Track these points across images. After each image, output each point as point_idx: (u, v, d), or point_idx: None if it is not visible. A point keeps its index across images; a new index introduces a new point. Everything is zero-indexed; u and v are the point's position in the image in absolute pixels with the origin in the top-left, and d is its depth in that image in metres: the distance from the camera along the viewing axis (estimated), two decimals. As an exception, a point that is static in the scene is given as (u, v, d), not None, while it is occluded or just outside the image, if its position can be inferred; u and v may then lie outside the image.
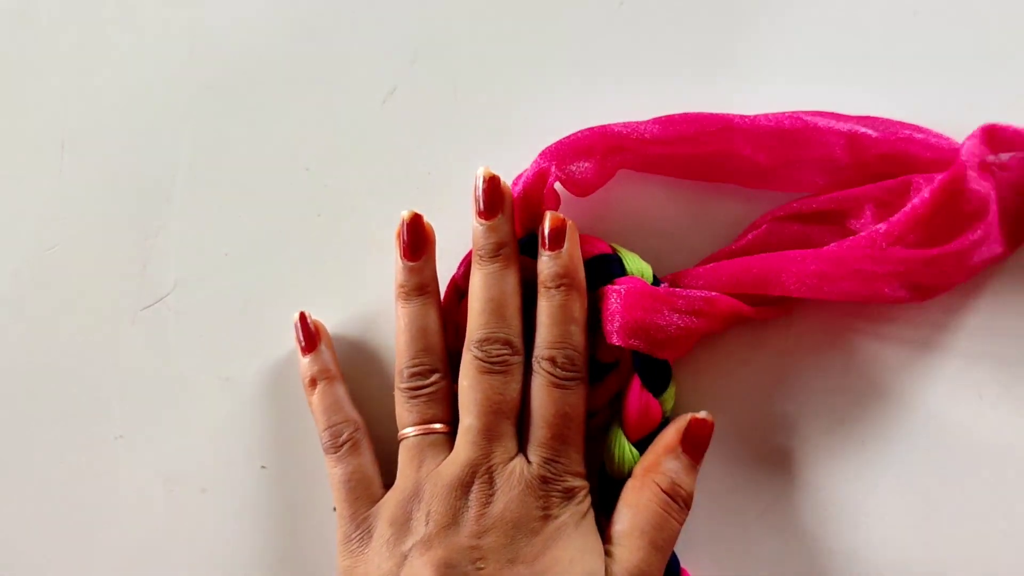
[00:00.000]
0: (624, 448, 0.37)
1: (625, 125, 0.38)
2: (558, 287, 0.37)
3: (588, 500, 0.36)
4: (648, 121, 0.38)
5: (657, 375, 0.37)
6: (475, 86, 0.42)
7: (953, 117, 0.38)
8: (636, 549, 0.35)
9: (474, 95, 0.42)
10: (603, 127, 0.38)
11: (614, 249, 0.38)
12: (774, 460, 0.39)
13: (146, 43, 0.43)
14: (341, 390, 0.39)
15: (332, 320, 0.40)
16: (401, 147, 0.41)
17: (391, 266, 0.39)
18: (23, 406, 0.41)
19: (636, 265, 0.38)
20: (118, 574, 0.40)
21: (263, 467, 0.40)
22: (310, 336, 0.39)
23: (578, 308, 0.37)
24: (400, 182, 0.41)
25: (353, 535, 0.36)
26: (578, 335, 0.37)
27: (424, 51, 0.42)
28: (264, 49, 0.43)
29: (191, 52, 0.43)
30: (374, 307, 0.40)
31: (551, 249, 0.37)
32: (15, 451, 0.41)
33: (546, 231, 0.37)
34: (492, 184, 0.37)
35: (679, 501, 0.36)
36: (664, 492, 0.36)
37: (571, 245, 0.37)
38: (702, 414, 0.37)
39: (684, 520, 0.36)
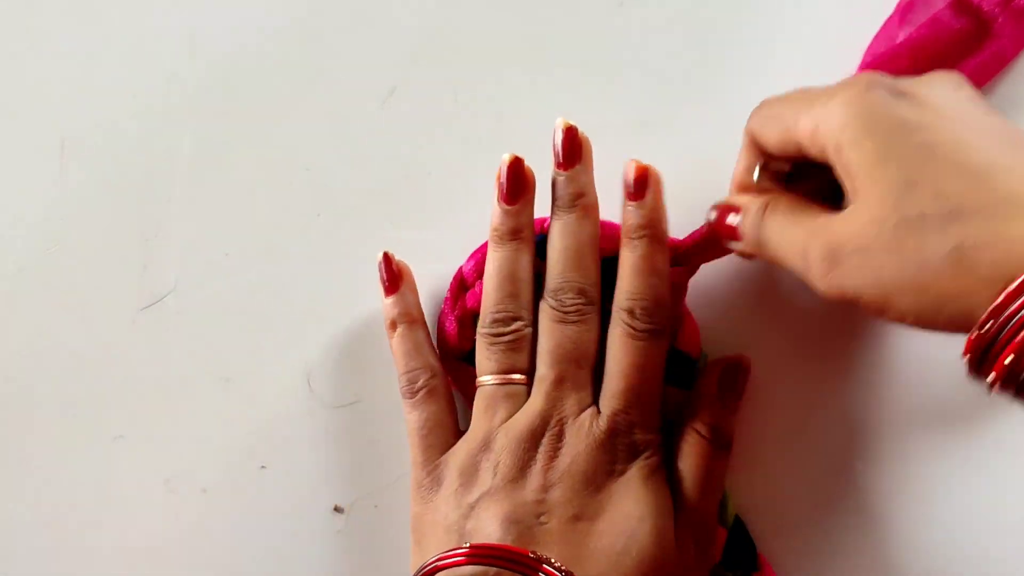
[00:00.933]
0: None
1: None
2: (640, 237, 0.36)
3: (658, 456, 0.36)
4: None
5: (680, 368, 0.37)
6: (475, 86, 0.42)
7: None
8: (693, 496, 0.36)
9: (474, 95, 0.42)
10: None
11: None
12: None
13: (146, 43, 0.43)
14: (422, 334, 0.38)
15: (332, 320, 0.40)
16: (401, 147, 0.41)
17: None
18: (23, 406, 0.41)
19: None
20: (118, 574, 0.40)
21: (263, 467, 0.40)
22: (393, 277, 0.38)
23: (660, 259, 0.36)
24: (400, 182, 0.41)
25: (424, 481, 0.36)
26: (660, 287, 0.36)
27: (424, 51, 0.42)
28: (264, 49, 0.43)
29: (191, 52, 0.43)
30: (374, 307, 0.40)
31: (634, 199, 0.36)
32: (15, 451, 0.41)
33: (631, 179, 0.36)
34: (570, 134, 0.37)
35: (721, 445, 0.36)
36: (705, 439, 0.36)
37: (655, 195, 0.36)
38: (737, 355, 0.37)
39: (727, 461, 0.37)
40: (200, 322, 0.41)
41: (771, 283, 0.39)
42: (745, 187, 0.35)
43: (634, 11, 0.41)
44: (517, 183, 0.37)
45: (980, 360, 0.27)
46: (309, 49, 0.43)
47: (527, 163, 0.37)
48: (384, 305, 0.38)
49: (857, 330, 0.39)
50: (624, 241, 0.37)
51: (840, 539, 0.38)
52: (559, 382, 0.36)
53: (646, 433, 0.36)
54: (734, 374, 0.37)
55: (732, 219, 0.35)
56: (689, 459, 0.36)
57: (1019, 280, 0.26)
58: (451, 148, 0.41)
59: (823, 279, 0.30)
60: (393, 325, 0.38)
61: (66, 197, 0.42)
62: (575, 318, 0.36)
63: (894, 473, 0.38)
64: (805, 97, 0.32)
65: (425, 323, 0.39)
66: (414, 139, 0.41)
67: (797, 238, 0.31)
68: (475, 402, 0.37)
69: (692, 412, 0.37)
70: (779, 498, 0.38)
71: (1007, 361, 0.27)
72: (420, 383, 0.37)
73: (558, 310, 0.36)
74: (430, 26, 0.42)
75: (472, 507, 0.35)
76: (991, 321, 0.26)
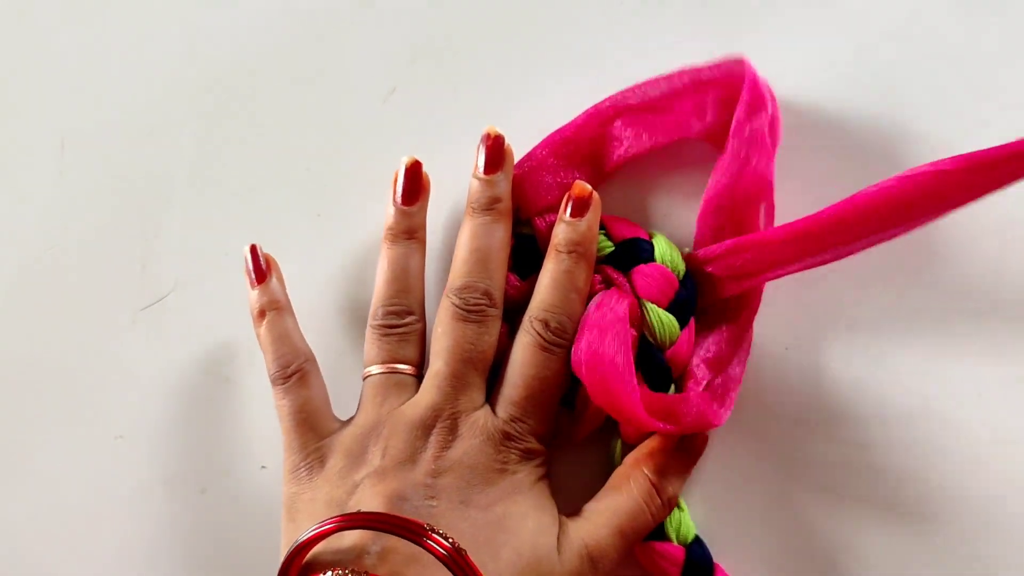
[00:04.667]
0: (618, 452, 0.37)
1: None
2: (569, 252, 0.37)
3: (544, 467, 0.36)
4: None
5: (656, 374, 0.37)
6: (475, 86, 0.42)
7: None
8: (600, 526, 0.35)
9: (474, 95, 0.42)
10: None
11: (650, 235, 0.38)
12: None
13: (146, 43, 0.43)
14: (291, 321, 0.38)
15: (332, 320, 0.40)
16: (401, 147, 0.41)
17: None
18: (23, 406, 0.41)
19: (666, 252, 0.37)
20: (118, 574, 0.40)
21: (263, 467, 0.40)
22: (260, 268, 0.38)
23: (583, 279, 0.37)
24: (400, 182, 0.41)
25: (301, 464, 0.36)
26: (577, 304, 0.37)
27: (424, 51, 0.42)
28: (264, 49, 0.43)
29: (191, 52, 0.43)
30: (374, 307, 0.40)
31: (573, 216, 0.37)
32: (15, 451, 0.41)
33: (572, 197, 0.37)
34: (496, 143, 0.37)
35: (662, 499, 0.36)
36: (651, 485, 0.36)
37: (592, 217, 0.37)
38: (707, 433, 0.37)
39: (660, 519, 0.36)
40: (200, 322, 0.41)
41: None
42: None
43: (634, 10, 0.41)
44: (414, 186, 0.38)
45: None
46: (309, 49, 0.43)
47: (422, 164, 0.38)
48: (250, 295, 0.38)
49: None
50: (551, 253, 0.37)
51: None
52: (454, 379, 0.36)
53: (538, 443, 0.36)
54: (697, 439, 0.37)
55: None
56: (620, 496, 0.36)
57: None
58: (451, 148, 0.41)
59: None
60: (261, 314, 0.38)
61: (66, 197, 0.42)
62: (476, 318, 0.36)
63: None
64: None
65: (292, 311, 0.38)
66: (414, 139, 0.41)
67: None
68: (362, 392, 0.37)
69: (647, 454, 0.36)
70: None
71: None
72: (292, 368, 0.37)
73: (460, 308, 0.36)
74: (430, 26, 0.42)
75: (357, 485, 0.34)
76: None
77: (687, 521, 0.37)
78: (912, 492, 0.37)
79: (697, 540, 0.37)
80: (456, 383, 0.36)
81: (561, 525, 0.35)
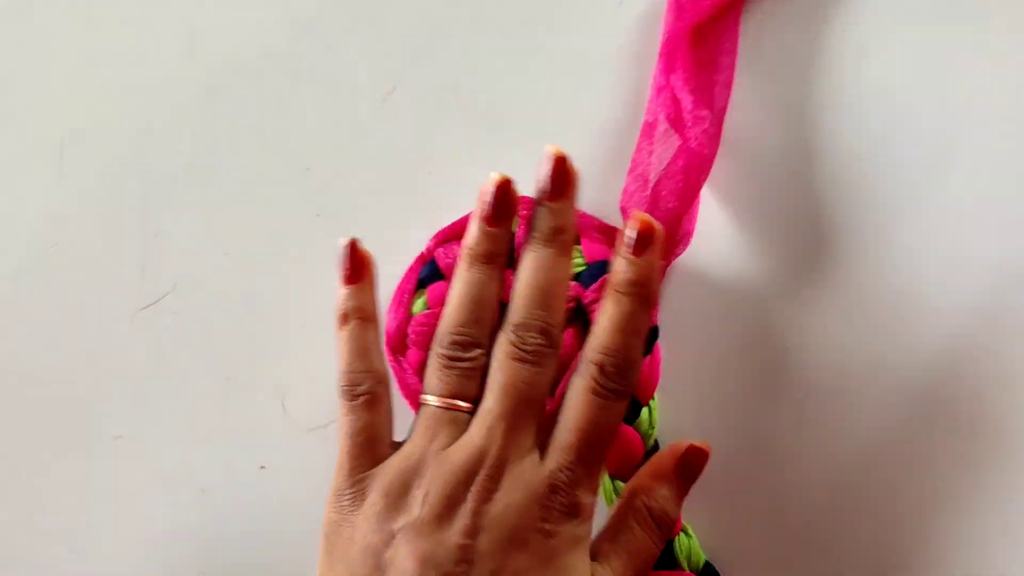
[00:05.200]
0: (604, 482, 0.37)
1: None
2: (629, 294, 0.34)
3: (589, 522, 0.34)
4: None
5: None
6: (475, 86, 0.42)
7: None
8: (619, 568, 0.34)
9: (474, 95, 0.42)
10: None
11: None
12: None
13: (146, 43, 0.43)
14: (373, 335, 0.36)
15: (332, 321, 0.40)
16: (401, 147, 0.41)
17: (391, 266, 0.39)
18: (23, 406, 0.41)
19: (654, 420, 0.38)
20: (118, 574, 0.40)
21: (263, 467, 0.40)
22: (356, 265, 0.36)
23: (643, 320, 0.35)
24: (400, 182, 0.41)
25: (346, 491, 0.34)
26: (636, 348, 0.35)
27: (424, 51, 0.42)
28: (264, 49, 0.43)
29: (191, 52, 0.43)
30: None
31: (634, 254, 0.35)
32: (15, 451, 0.41)
33: (634, 234, 0.35)
34: (561, 164, 0.35)
35: (663, 527, 0.35)
36: (650, 516, 0.35)
37: (654, 254, 0.35)
38: (699, 443, 0.36)
39: (663, 545, 0.35)
40: (200, 322, 0.41)
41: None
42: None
43: (634, 10, 0.41)
44: (503, 206, 0.35)
45: None
46: (309, 49, 0.43)
47: (515, 183, 0.36)
48: (339, 295, 0.36)
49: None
50: (610, 292, 0.35)
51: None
52: (504, 420, 0.34)
53: (586, 495, 0.34)
54: (696, 462, 0.36)
55: None
56: (629, 534, 0.35)
57: None
58: (451, 148, 0.41)
59: None
60: (345, 318, 0.36)
61: (66, 197, 0.42)
62: (533, 359, 0.34)
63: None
64: None
65: (378, 322, 0.37)
66: (414, 139, 0.41)
67: None
68: (417, 418, 0.35)
69: (645, 484, 0.35)
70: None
71: None
72: (362, 388, 0.35)
73: (518, 347, 0.34)
74: (430, 26, 0.42)
75: (393, 536, 0.33)
76: None
77: (696, 548, 0.37)
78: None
79: (707, 566, 0.37)
80: (506, 425, 0.34)
81: None
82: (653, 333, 0.37)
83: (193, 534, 0.40)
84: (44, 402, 0.41)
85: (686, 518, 0.38)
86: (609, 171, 0.40)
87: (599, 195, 0.40)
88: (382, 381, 0.36)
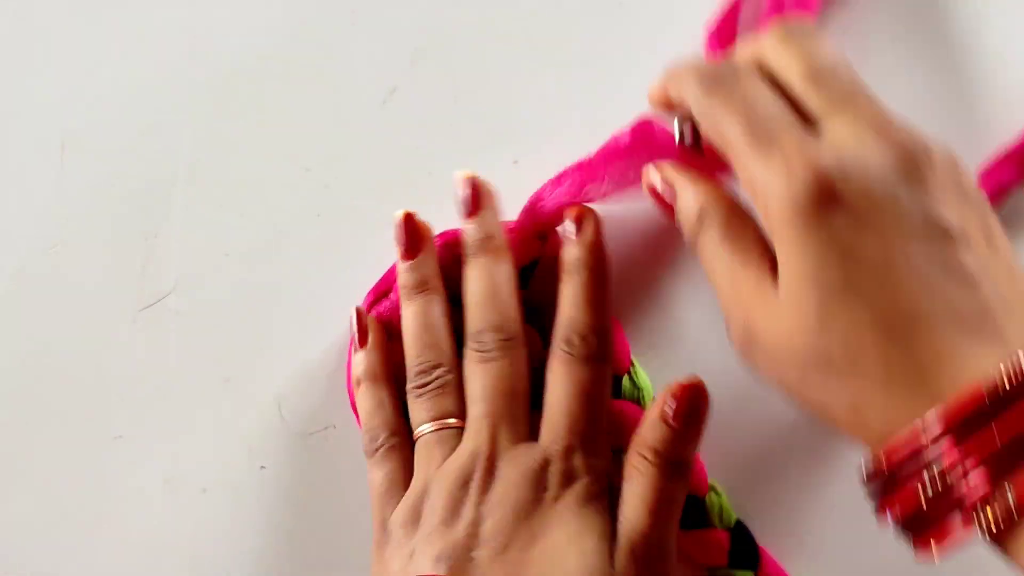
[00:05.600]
0: None
1: None
2: (580, 270, 0.36)
3: (601, 482, 0.35)
4: None
5: None
6: (475, 86, 0.42)
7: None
8: (632, 519, 0.34)
9: (474, 95, 0.42)
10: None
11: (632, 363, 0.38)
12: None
13: (146, 43, 0.43)
14: (384, 392, 0.38)
15: (331, 321, 0.40)
16: (401, 147, 0.41)
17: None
18: (23, 406, 0.41)
19: (640, 381, 0.38)
20: (118, 574, 0.40)
21: (263, 467, 0.40)
22: (363, 332, 0.38)
23: (600, 291, 0.36)
24: (400, 182, 0.41)
25: (380, 539, 0.36)
26: (601, 315, 0.36)
27: (424, 51, 0.42)
28: (264, 49, 0.43)
29: (191, 52, 0.43)
30: (374, 307, 0.40)
31: (577, 235, 0.37)
32: (15, 451, 0.41)
33: (572, 220, 0.37)
34: (473, 185, 0.38)
35: (672, 470, 0.34)
36: (655, 464, 0.34)
37: (595, 231, 0.37)
38: (686, 379, 0.35)
39: (685, 488, 0.35)
40: (200, 322, 0.41)
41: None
42: (661, 103, 0.35)
43: (634, 10, 0.42)
44: (414, 238, 0.38)
45: (875, 486, 0.28)
46: (309, 49, 0.43)
47: (416, 214, 0.38)
48: (353, 361, 0.39)
49: None
50: (563, 276, 0.37)
51: (841, 530, 0.38)
52: (490, 418, 0.35)
53: (588, 458, 0.35)
54: (688, 399, 0.35)
55: (666, 194, 0.34)
56: (636, 485, 0.34)
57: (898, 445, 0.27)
58: (451, 148, 0.41)
59: (737, 350, 0.31)
60: (358, 383, 0.38)
61: (66, 197, 0.42)
62: (498, 355, 0.36)
63: None
64: (752, 124, 0.30)
65: (389, 379, 0.38)
66: (414, 139, 0.42)
67: (724, 287, 0.32)
68: (415, 455, 0.37)
69: (640, 436, 0.35)
70: (778, 493, 0.38)
71: (896, 514, 0.28)
72: (379, 442, 0.37)
73: (480, 351, 0.36)
74: (430, 26, 0.42)
75: (412, 553, 0.34)
76: (876, 480, 0.28)
77: (727, 505, 0.37)
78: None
79: (739, 524, 0.37)
80: (492, 421, 0.35)
81: (611, 537, 0.34)
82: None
83: (193, 534, 0.40)
84: (44, 402, 0.41)
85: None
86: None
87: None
88: (397, 432, 0.37)
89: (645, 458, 0.34)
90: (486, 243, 0.37)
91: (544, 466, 0.34)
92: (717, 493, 0.37)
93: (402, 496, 0.36)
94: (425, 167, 0.41)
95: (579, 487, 0.34)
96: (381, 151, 0.41)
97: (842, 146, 0.29)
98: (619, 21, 0.41)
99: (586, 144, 0.39)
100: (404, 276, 0.38)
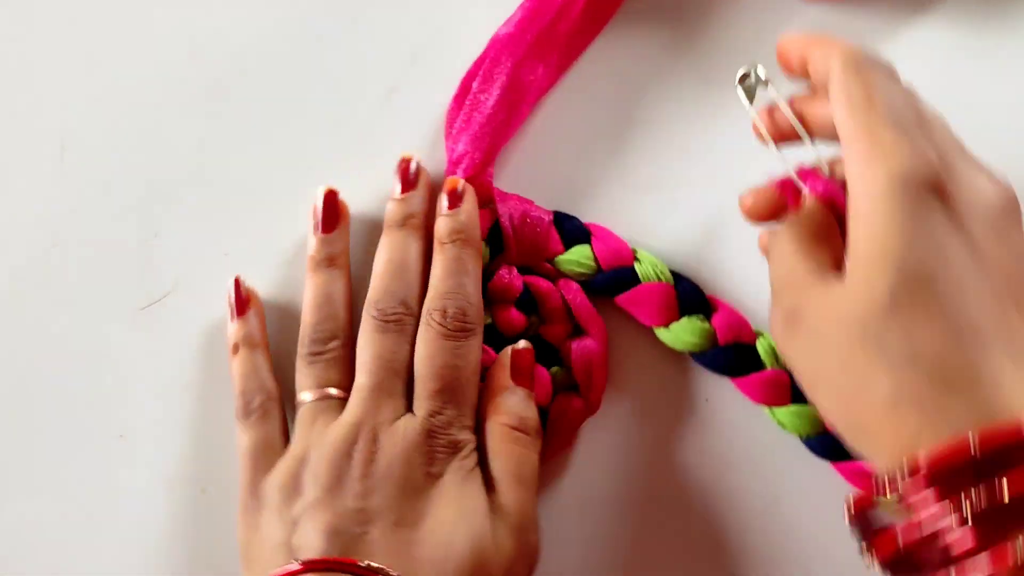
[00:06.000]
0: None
1: None
2: (453, 241, 0.37)
3: (474, 457, 0.36)
4: None
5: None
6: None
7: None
8: (507, 490, 0.35)
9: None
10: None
11: (634, 251, 0.39)
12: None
13: (146, 43, 0.43)
14: (261, 358, 0.39)
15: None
16: (401, 147, 0.41)
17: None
18: (23, 406, 0.41)
19: (650, 269, 0.38)
20: (118, 574, 0.40)
21: (263, 467, 0.40)
22: (241, 302, 0.39)
23: (472, 263, 0.37)
24: (400, 182, 0.41)
25: (249, 505, 0.36)
26: (471, 287, 0.37)
27: (424, 51, 0.42)
28: (264, 49, 0.43)
29: (191, 52, 0.43)
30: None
31: (450, 208, 0.38)
32: (15, 451, 0.41)
33: (446, 193, 0.38)
34: (407, 166, 0.39)
35: (527, 432, 0.36)
36: (511, 428, 0.36)
37: (469, 205, 0.38)
38: (520, 344, 0.38)
39: (539, 447, 0.37)
40: (200, 322, 0.41)
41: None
42: (790, 59, 0.34)
43: (633, 10, 0.42)
44: (332, 213, 0.39)
45: (858, 527, 0.29)
46: (309, 49, 0.43)
47: (339, 192, 0.39)
48: (229, 328, 0.39)
49: None
50: (436, 247, 0.38)
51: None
52: (375, 390, 0.36)
53: (462, 432, 0.36)
54: (520, 360, 0.37)
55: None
56: (499, 455, 0.36)
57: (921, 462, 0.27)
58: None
59: (777, 333, 0.32)
60: (236, 348, 0.39)
61: (66, 197, 0.42)
62: (395, 328, 0.37)
63: None
64: (874, 116, 0.30)
65: (267, 349, 0.39)
66: (414, 139, 0.41)
67: (780, 271, 0.32)
68: (295, 423, 0.37)
69: (491, 407, 0.37)
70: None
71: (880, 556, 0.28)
72: (254, 404, 0.38)
73: (378, 319, 0.37)
74: (430, 26, 0.42)
75: (296, 522, 0.34)
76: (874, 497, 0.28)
77: (656, 261, 0.38)
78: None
79: (677, 276, 0.39)
80: (378, 394, 0.36)
81: (491, 513, 0.35)
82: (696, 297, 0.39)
83: (193, 534, 0.40)
84: (44, 402, 0.41)
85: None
86: (611, 167, 0.40)
87: (599, 195, 0.40)
88: (272, 397, 0.38)
89: (505, 426, 0.36)
90: (406, 219, 0.38)
91: (426, 439, 0.35)
92: (637, 259, 0.38)
93: (276, 461, 0.37)
94: (425, 167, 0.41)
95: (458, 463, 0.35)
96: (381, 151, 0.41)
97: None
98: (618, 21, 0.41)
99: (584, 145, 0.39)
100: (315, 248, 0.39)
